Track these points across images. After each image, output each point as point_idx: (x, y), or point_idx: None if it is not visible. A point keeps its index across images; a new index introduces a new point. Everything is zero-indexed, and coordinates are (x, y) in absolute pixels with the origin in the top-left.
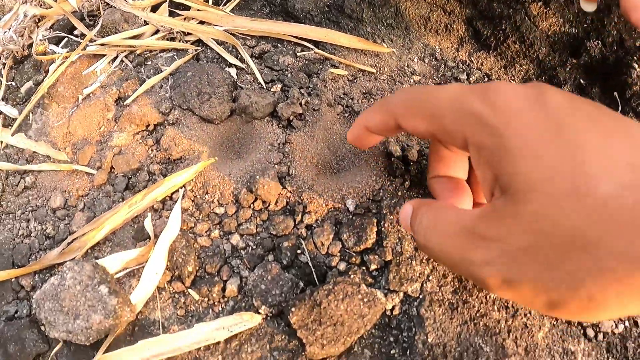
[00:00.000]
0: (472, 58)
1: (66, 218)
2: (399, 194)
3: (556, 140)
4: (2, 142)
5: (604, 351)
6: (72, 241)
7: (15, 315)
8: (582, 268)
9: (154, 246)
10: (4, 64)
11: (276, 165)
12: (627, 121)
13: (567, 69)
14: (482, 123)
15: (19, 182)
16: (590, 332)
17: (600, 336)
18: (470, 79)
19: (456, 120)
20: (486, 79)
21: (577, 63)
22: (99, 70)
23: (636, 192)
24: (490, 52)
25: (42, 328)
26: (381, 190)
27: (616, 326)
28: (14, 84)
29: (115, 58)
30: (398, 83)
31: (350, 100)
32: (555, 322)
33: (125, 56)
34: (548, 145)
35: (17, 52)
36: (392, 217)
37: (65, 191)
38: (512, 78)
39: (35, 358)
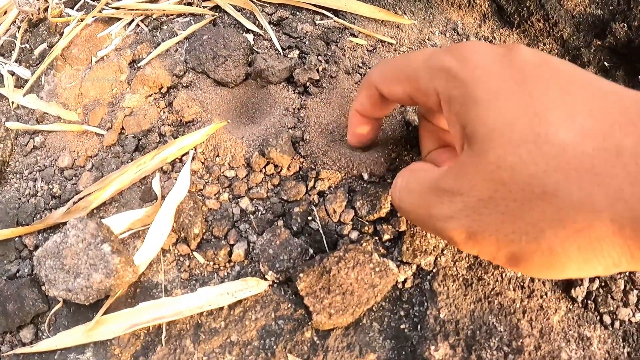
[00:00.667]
0: (494, 34)
1: (73, 178)
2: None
3: (519, 90)
4: (13, 102)
5: (620, 340)
6: (77, 201)
7: (17, 275)
8: (542, 218)
9: (160, 207)
10: (18, 27)
11: (290, 130)
12: (590, 75)
13: (591, 50)
14: (451, 76)
15: (28, 142)
16: (607, 319)
17: (617, 324)
18: None
19: (429, 78)
20: None
21: (601, 45)
22: (113, 34)
23: (596, 138)
24: (514, 29)
25: (42, 287)
26: (397, 160)
27: (633, 314)
28: (28, 46)
29: (130, 22)
30: None
31: (368, 70)
32: (571, 307)
33: (141, 20)
34: (510, 94)
35: (32, 14)
36: None
37: (74, 151)
38: None
39: (34, 317)
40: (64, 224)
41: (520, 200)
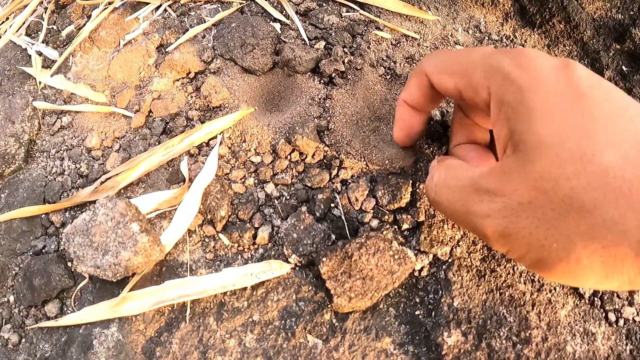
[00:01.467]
0: (516, 34)
1: (101, 158)
2: (436, 157)
3: (573, 108)
4: (40, 82)
5: (624, 337)
6: (105, 180)
7: (43, 251)
8: (575, 231)
9: (188, 189)
10: (45, 8)
11: (316, 119)
12: (639, 106)
13: (610, 54)
14: (509, 80)
15: (55, 121)
16: (612, 317)
17: (622, 322)
18: None
19: (485, 76)
20: None
21: (620, 49)
22: (141, 18)
23: (637, 167)
24: (535, 29)
25: (70, 263)
26: (418, 152)
27: (637, 314)
28: (55, 27)
29: (158, 7)
30: None
31: (392, 64)
32: (578, 302)
33: (169, 5)
34: (565, 110)
35: None
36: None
37: (102, 132)
38: None
39: (59, 293)
40: (92, 202)
41: (557, 210)
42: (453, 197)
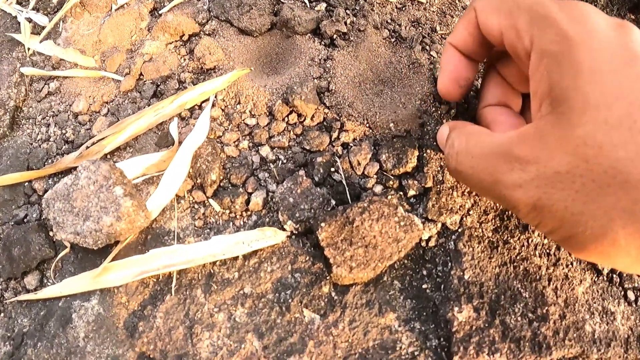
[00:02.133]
0: None
1: (88, 123)
2: (444, 121)
3: (626, 70)
4: (29, 49)
5: None
6: (91, 145)
7: (25, 220)
8: (615, 207)
9: (177, 151)
10: None
11: (316, 80)
12: None
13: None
14: (556, 27)
15: (43, 87)
16: (631, 295)
17: None
18: None
19: (530, 21)
20: None
21: (635, 19)
22: None
23: None
24: None
25: (50, 232)
26: (425, 115)
27: None
28: None
29: None
30: (448, 16)
31: (397, 27)
32: (596, 279)
33: None
34: (617, 72)
35: None
36: (435, 143)
37: (90, 97)
38: None
39: (39, 263)
40: (76, 168)
41: (599, 182)
42: (478, 166)
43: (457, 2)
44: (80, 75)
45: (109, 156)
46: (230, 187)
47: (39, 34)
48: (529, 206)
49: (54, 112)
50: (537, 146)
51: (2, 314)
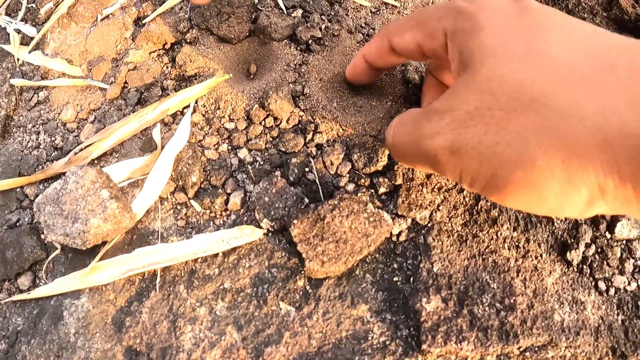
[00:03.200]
0: None
1: (76, 130)
2: None
3: (520, 19)
4: (18, 59)
5: (615, 307)
6: (79, 151)
7: (17, 224)
8: (527, 126)
9: (159, 155)
10: None
11: (291, 84)
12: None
13: (597, 20)
14: (461, 12)
15: (32, 97)
16: (602, 285)
17: (612, 291)
18: None
19: (438, 19)
20: None
21: (607, 16)
22: None
23: (590, 57)
24: None
25: (42, 235)
26: (396, 115)
27: (629, 283)
28: (34, 5)
29: None
30: None
31: (371, 30)
32: (566, 270)
33: None
34: (512, 23)
35: None
36: None
37: (77, 105)
38: None
39: (32, 265)
40: (65, 173)
41: (506, 109)
42: (406, 131)
43: (429, 4)
44: (68, 84)
45: (96, 161)
46: (210, 189)
47: (28, 45)
48: (447, 150)
49: (43, 120)
50: (450, 97)
51: None
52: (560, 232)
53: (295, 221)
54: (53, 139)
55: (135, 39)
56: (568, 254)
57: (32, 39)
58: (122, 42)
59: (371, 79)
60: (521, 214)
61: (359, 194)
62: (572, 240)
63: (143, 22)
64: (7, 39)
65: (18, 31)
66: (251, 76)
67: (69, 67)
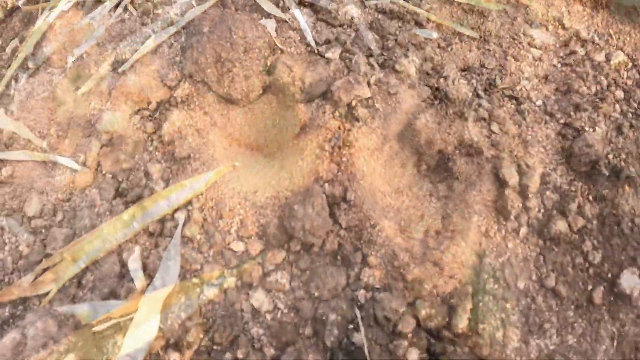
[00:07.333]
0: (610, 29)
1: (43, 231)
2: (510, 246)
3: None
4: None
5: None
6: (46, 269)
7: None
8: None
9: (141, 301)
10: None
11: (327, 185)
12: None
13: None
14: None
15: None
16: None
17: None
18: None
19: None
20: (630, 65)
21: None
22: (96, 22)
23: None
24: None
25: None
26: (484, 238)
27: None
28: (0, 42)
29: (117, 5)
30: (510, 57)
31: (441, 81)
32: None
33: (131, 2)
34: None
35: (4, 1)
36: (495, 286)
37: (43, 193)
38: None
39: None
40: (34, 296)
41: None
42: None
43: (520, 35)
44: (33, 159)
45: (67, 283)
46: (214, 349)
47: None
48: None
49: (7, 210)
50: None
51: None
52: None
53: None
54: (18, 241)
55: (111, 92)
56: None
57: None
58: (96, 97)
59: None
60: None
61: None
62: None
63: (121, 69)
64: None
65: None
66: (268, 159)
67: (33, 136)
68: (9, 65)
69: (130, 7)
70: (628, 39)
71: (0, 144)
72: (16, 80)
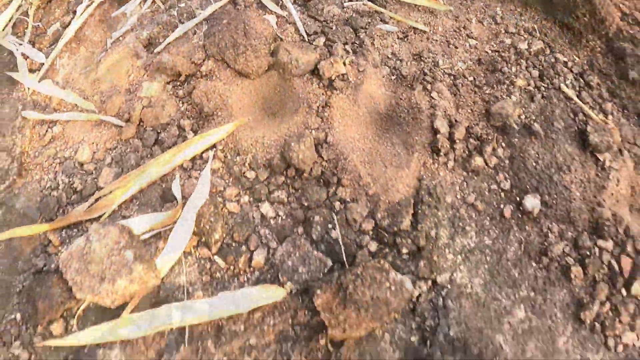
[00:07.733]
0: (535, 26)
1: (93, 172)
2: (441, 174)
3: None
4: (29, 88)
5: None
6: (98, 198)
7: (44, 269)
8: None
9: (181, 210)
10: (31, 3)
11: (313, 131)
12: None
13: None
14: None
15: (47, 131)
16: (611, 343)
17: (620, 348)
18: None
19: None
20: (548, 52)
21: None
22: (128, 12)
23: None
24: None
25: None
26: (423, 169)
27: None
28: (40, 24)
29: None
30: (452, 46)
31: (398, 62)
32: (578, 327)
33: None
34: None
35: None
36: (429, 199)
37: (93, 143)
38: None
39: (63, 312)
40: (88, 220)
41: None
42: None
43: (461, 29)
44: (82, 119)
45: (116, 209)
46: (233, 244)
47: (36, 71)
48: None
49: (59, 158)
50: None
51: (33, 357)
52: (577, 290)
53: (318, 291)
54: (71, 180)
55: (147, 68)
56: (582, 313)
57: (40, 64)
58: (134, 72)
59: None
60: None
61: (381, 259)
62: (589, 298)
63: (155, 49)
64: (15, 63)
65: (25, 56)
66: (272, 115)
67: (80, 100)
68: (51, 45)
69: (157, 1)
70: (549, 32)
71: (49, 107)
72: (60, 57)
